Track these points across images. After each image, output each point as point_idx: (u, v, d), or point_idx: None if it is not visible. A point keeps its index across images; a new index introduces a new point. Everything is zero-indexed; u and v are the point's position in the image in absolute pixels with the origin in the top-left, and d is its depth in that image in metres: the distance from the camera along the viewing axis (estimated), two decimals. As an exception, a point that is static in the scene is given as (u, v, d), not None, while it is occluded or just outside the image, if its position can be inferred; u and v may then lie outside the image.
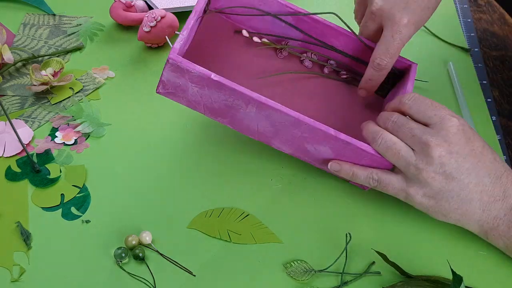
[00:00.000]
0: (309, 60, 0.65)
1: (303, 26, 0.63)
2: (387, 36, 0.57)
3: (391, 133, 0.53)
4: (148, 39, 0.73)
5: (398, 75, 0.63)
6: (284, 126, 0.54)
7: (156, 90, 0.55)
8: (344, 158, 0.55)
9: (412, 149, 0.52)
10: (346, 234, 0.55)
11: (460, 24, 0.82)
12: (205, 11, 0.59)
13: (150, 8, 0.80)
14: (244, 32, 0.63)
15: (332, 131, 0.53)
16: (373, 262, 0.54)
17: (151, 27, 0.71)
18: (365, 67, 0.62)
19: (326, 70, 0.65)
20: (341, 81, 0.65)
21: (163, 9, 0.75)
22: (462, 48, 0.78)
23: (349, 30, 0.61)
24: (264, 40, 0.64)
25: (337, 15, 0.60)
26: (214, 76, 0.51)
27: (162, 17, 0.71)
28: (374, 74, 0.59)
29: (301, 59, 0.65)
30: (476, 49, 0.78)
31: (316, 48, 0.65)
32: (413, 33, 0.58)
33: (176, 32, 0.74)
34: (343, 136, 0.53)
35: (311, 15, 0.61)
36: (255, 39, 0.63)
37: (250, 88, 0.59)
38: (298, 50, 0.65)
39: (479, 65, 0.76)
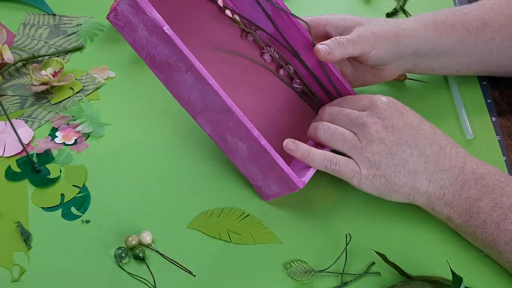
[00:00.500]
0: (270, 56, 0.63)
1: (279, 21, 0.61)
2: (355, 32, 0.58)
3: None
4: (148, 39, 0.73)
5: None
6: (214, 108, 0.52)
7: (107, 16, 0.52)
8: (255, 163, 0.55)
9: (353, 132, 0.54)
10: (346, 234, 0.55)
11: (460, 24, 0.82)
12: None
13: (150, 8, 0.80)
14: (220, 1, 0.61)
15: (255, 132, 0.51)
16: (373, 263, 0.54)
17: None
18: (319, 85, 0.62)
19: (281, 72, 0.64)
20: (291, 88, 0.64)
21: (163, 9, 0.75)
22: (462, 49, 0.77)
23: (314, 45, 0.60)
24: (236, 17, 0.62)
25: (308, 27, 0.60)
26: (166, 29, 0.49)
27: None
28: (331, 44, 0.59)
29: (263, 51, 0.63)
30: (476, 50, 0.78)
31: (281, 48, 0.63)
32: (358, 52, 0.58)
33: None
34: (264, 142, 0.52)
35: (290, 15, 0.60)
36: (228, 12, 0.61)
37: (201, 57, 0.57)
38: (264, 41, 0.63)
39: (479, 65, 0.76)
